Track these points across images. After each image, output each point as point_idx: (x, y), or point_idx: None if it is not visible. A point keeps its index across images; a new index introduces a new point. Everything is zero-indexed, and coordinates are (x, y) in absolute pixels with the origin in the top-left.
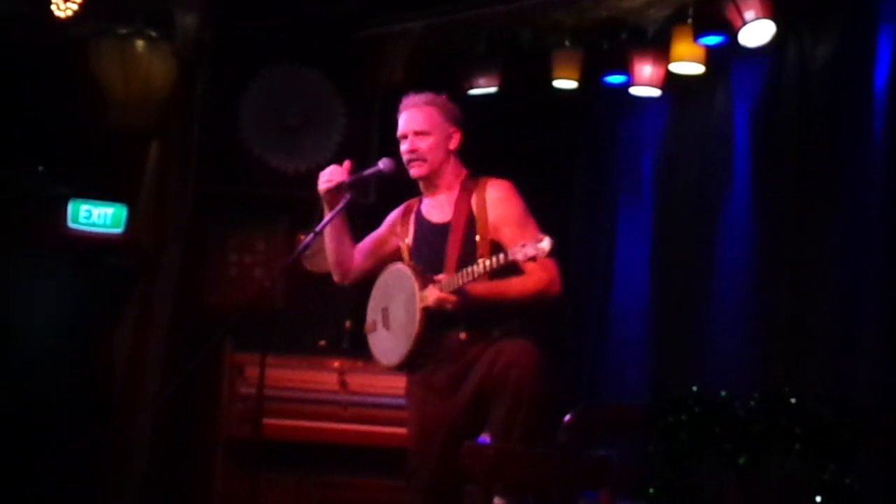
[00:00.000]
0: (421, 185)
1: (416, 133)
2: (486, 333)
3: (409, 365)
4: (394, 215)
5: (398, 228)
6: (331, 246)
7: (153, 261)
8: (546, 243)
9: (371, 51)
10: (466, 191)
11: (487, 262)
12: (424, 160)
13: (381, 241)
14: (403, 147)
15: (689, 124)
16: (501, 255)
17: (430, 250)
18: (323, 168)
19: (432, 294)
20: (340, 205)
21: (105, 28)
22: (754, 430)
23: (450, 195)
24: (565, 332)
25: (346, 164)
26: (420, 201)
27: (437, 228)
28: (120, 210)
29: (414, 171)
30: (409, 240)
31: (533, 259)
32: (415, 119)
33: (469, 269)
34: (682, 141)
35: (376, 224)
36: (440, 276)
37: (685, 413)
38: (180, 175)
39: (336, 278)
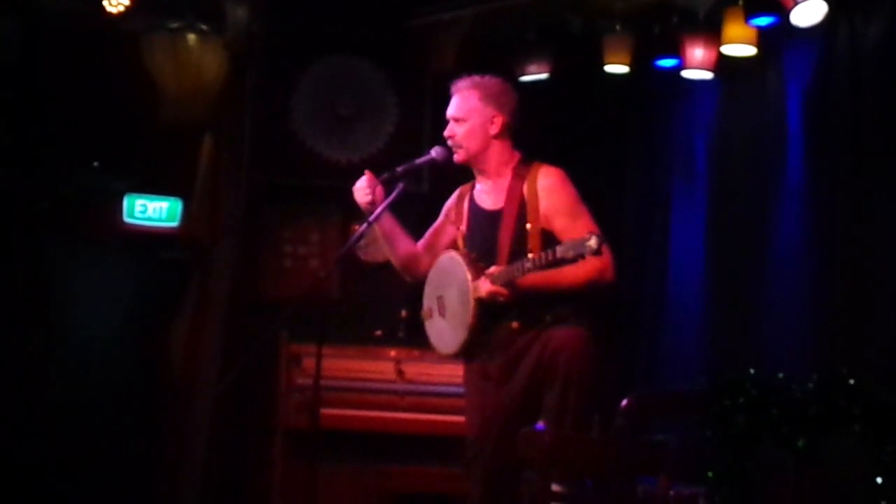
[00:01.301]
0: (473, 170)
1: (454, 119)
2: (539, 321)
3: (464, 353)
4: (449, 203)
5: (453, 216)
6: (388, 250)
7: (208, 254)
8: (593, 241)
9: (421, 40)
10: (519, 177)
11: (536, 259)
12: (461, 146)
13: (439, 232)
14: (445, 133)
15: (741, 107)
16: (550, 252)
17: (482, 237)
18: (376, 158)
19: (484, 286)
20: (394, 194)
21: (156, 23)
22: (812, 412)
23: (501, 181)
24: (621, 318)
25: (367, 174)
26: (473, 187)
27: (489, 215)
28: (175, 204)
29: (455, 157)
30: (462, 226)
31: (581, 257)
32: (454, 104)
33: (519, 263)
34: (735, 124)
35: (431, 213)
36: (492, 269)
37: (742, 396)
38: (233, 168)
39: (407, 279)
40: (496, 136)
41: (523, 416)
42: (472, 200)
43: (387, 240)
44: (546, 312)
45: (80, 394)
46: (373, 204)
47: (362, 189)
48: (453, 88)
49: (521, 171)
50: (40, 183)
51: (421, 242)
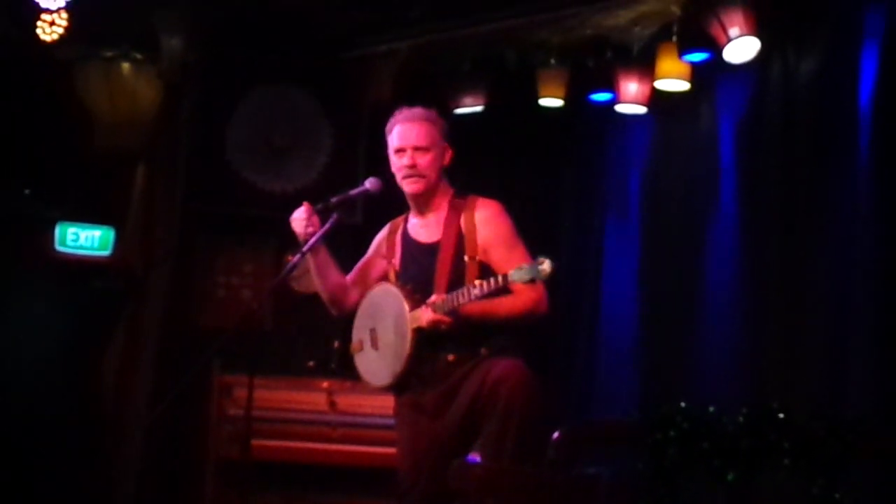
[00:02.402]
0: (412, 203)
1: (417, 148)
2: (474, 353)
3: (398, 385)
4: (379, 237)
5: (384, 249)
6: (318, 282)
7: (141, 283)
8: (547, 265)
9: (358, 71)
10: (455, 210)
11: (485, 284)
12: (423, 176)
13: (369, 266)
14: (402, 161)
15: (675, 141)
16: (500, 277)
17: (418, 270)
18: (310, 188)
19: (426, 315)
20: (328, 225)
21: (91, 51)
22: (743, 445)
23: (438, 214)
24: (554, 350)
25: (305, 205)
26: (406, 220)
27: (425, 248)
28: (107, 233)
29: (412, 188)
30: (395, 260)
31: (532, 282)
32: (414, 134)
33: (464, 290)
34: (669, 157)
35: (364, 244)
36: (433, 298)
37: (674, 429)
38: (167, 197)
39: (334, 312)
40: (444, 169)
41: (458, 448)
42: (405, 234)
43: (318, 271)
44: (482, 345)
45: (9, 424)
46: (311, 234)
47: (301, 220)
48: (403, 116)
49: (457, 203)
50: None
51: (350, 276)
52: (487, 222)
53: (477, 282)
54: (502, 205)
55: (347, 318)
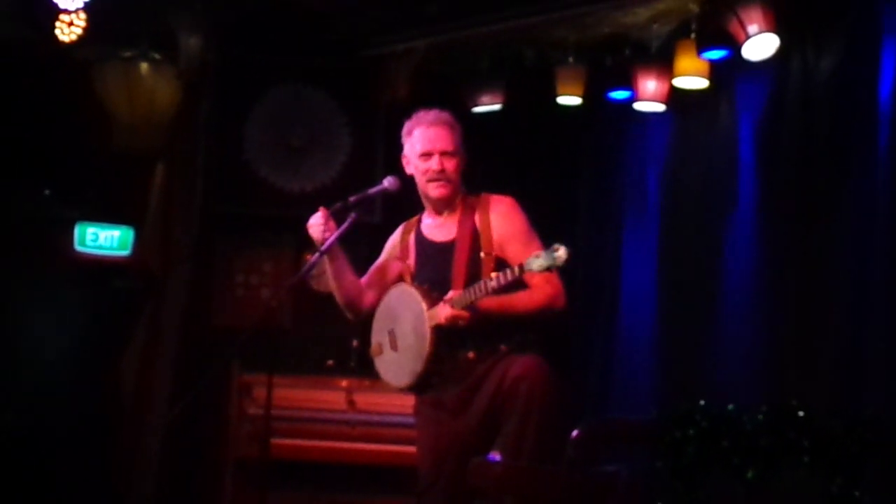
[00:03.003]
0: (432, 205)
1: (444, 153)
2: (494, 350)
3: (420, 385)
4: (392, 239)
5: (398, 251)
6: (334, 286)
7: (160, 283)
8: (562, 252)
9: (375, 70)
10: (469, 208)
11: (501, 276)
12: (451, 181)
13: (384, 269)
14: (429, 165)
15: (693, 139)
16: (516, 268)
17: (433, 270)
18: (328, 188)
19: (444, 311)
20: (346, 224)
21: (109, 51)
22: (762, 443)
23: (452, 214)
24: (572, 348)
25: (321, 210)
26: (419, 221)
27: (440, 247)
28: (126, 233)
29: (439, 192)
30: (410, 261)
31: (549, 269)
32: (442, 138)
33: (480, 284)
34: (687, 156)
35: (383, 243)
36: (451, 294)
37: (692, 427)
38: (186, 197)
39: (350, 317)
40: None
41: (478, 446)
42: (419, 234)
43: (334, 275)
44: (502, 342)
45: (30, 424)
46: (328, 239)
47: (317, 225)
48: (427, 119)
49: (471, 201)
50: None
51: (365, 279)
52: (502, 218)
53: (493, 274)
54: (516, 200)
55: (369, 316)
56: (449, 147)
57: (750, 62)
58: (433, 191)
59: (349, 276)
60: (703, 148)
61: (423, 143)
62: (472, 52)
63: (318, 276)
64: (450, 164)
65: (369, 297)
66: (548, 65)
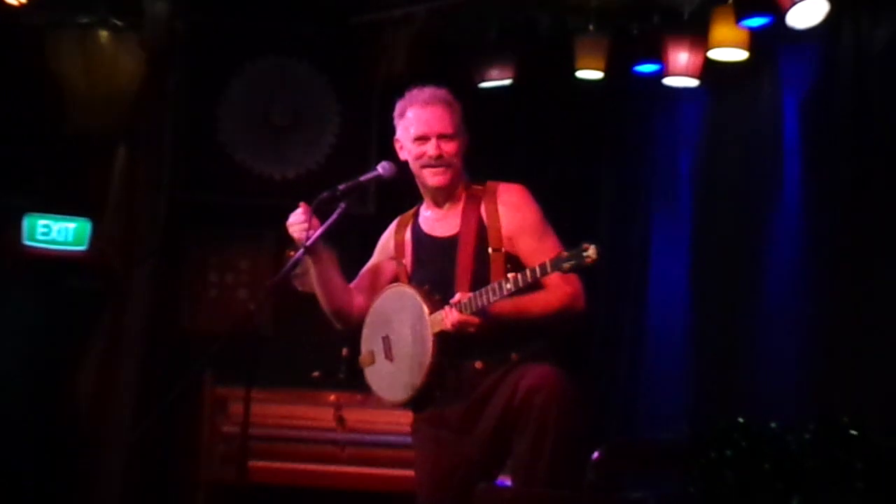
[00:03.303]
0: (431, 195)
1: (442, 136)
2: (505, 359)
3: (419, 400)
4: (384, 237)
5: (392, 250)
6: (319, 292)
7: (122, 282)
8: (593, 251)
9: (368, 39)
10: (473, 198)
11: (518, 278)
12: (450, 166)
13: (376, 271)
14: (424, 149)
15: (731, 119)
16: (538, 269)
17: (434, 269)
18: (314, 174)
19: (450, 316)
20: (334, 216)
21: (64, 17)
22: (809, 466)
23: (454, 206)
24: (594, 357)
25: (302, 206)
26: (416, 214)
27: (441, 243)
28: (83, 225)
29: (437, 179)
30: (406, 260)
31: (575, 270)
32: (440, 119)
33: (494, 285)
34: (724, 138)
35: (377, 238)
36: (458, 297)
37: (730, 448)
38: (151, 184)
39: (338, 326)
40: (464, 156)
41: (486, 469)
42: (416, 230)
43: (318, 276)
44: (513, 350)
45: None
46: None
47: (298, 224)
48: (422, 98)
49: (475, 191)
50: None
51: (355, 283)
52: (513, 209)
53: (510, 275)
54: (527, 189)
55: (354, 330)
56: (447, 129)
57: (795, 31)
58: (431, 178)
59: (336, 279)
60: (742, 129)
61: (417, 125)
62: (479, 18)
63: (302, 275)
64: (449, 148)
65: (359, 303)
66: (565, 34)
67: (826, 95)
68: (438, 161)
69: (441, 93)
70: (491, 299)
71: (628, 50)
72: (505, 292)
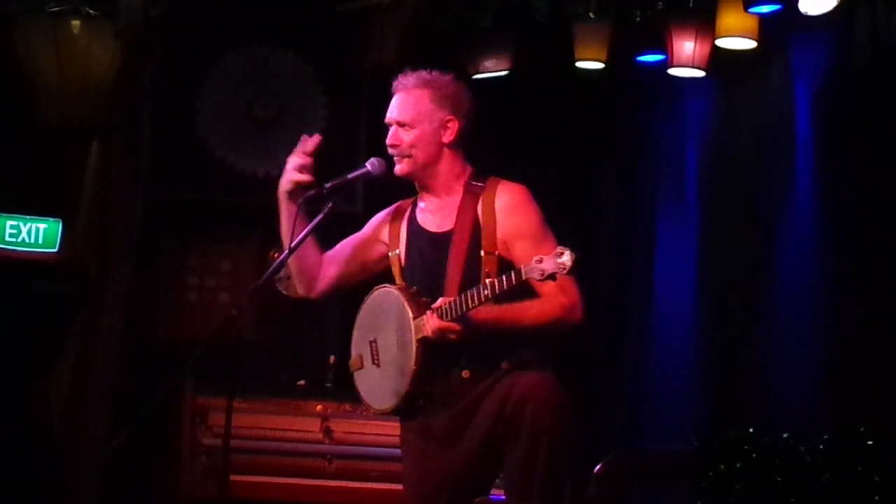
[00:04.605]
0: (416, 185)
1: (399, 123)
2: (494, 368)
3: (405, 408)
4: (380, 217)
5: (385, 234)
6: (286, 243)
7: (96, 286)
8: (567, 258)
9: (357, 28)
10: (472, 195)
11: (495, 283)
12: (407, 156)
13: (364, 245)
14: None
15: (740, 111)
16: (513, 274)
17: (425, 265)
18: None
19: (431, 323)
20: (321, 216)
21: (34, 5)
22: (824, 478)
23: (450, 199)
24: (597, 364)
25: (316, 138)
26: (414, 204)
27: (434, 238)
28: (54, 225)
29: (396, 169)
30: (399, 251)
31: (552, 277)
32: (399, 105)
33: (472, 291)
34: (733, 131)
35: None
36: (439, 301)
37: (740, 459)
38: (127, 182)
39: (300, 290)
40: (449, 145)
41: (476, 483)
42: (412, 220)
43: (298, 264)
44: (502, 358)
45: None
46: (302, 182)
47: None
48: (397, 86)
49: (475, 187)
50: None
51: (332, 251)
52: (510, 211)
53: (488, 281)
54: (528, 189)
55: (348, 328)
56: (404, 116)
57: (807, 18)
58: (395, 169)
59: (311, 246)
60: (751, 122)
61: (387, 113)
62: (473, 4)
63: (287, 279)
64: (406, 136)
65: (329, 272)
66: (564, 21)
67: (840, 86)
68: (393, 150)
69: (416, 77)
70: (470, 305)
71: (631, 39)
72: (483, 298)
